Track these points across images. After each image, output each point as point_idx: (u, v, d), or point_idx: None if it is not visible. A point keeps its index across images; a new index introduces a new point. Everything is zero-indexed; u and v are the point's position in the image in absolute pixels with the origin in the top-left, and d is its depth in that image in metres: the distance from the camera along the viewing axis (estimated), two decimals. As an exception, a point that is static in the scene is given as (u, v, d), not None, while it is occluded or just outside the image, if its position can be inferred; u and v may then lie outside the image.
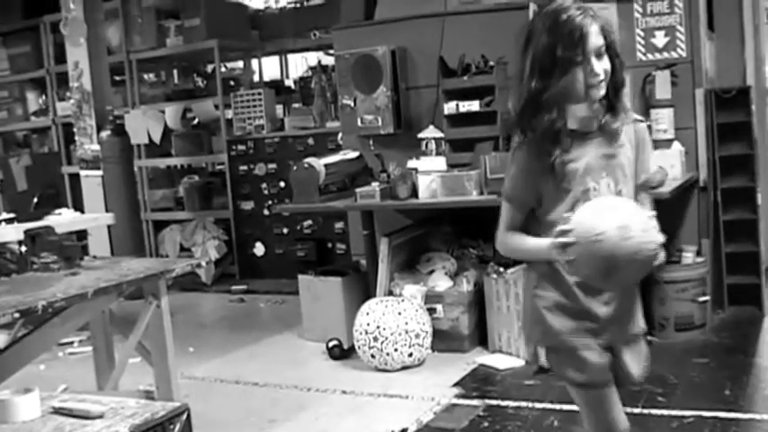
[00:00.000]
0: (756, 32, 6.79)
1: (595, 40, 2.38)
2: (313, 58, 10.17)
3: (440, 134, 5.92)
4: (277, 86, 10.01)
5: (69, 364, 5.99)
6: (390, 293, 5.71)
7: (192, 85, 10.38)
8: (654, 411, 4.27)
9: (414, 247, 6.09)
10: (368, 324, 5.32)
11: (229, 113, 9.11)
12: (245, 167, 8.92)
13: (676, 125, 5.85)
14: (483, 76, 5.96)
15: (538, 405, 4.52)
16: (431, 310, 5.55)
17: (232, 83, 9.90)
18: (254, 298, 8.10)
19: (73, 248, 4.08)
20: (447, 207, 5.80)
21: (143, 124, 9.16)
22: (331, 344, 5.74)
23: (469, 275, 5.73)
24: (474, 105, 5.97)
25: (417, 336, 5.31)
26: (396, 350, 5.26)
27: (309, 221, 8.55)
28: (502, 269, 5.57)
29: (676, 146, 5.76)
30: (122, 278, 3.68)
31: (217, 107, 9.19)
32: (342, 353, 5.69)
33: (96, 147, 8.12)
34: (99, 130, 8.09)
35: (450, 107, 6.05)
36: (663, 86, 5.80)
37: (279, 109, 9.35)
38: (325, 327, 5.99)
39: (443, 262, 5.90)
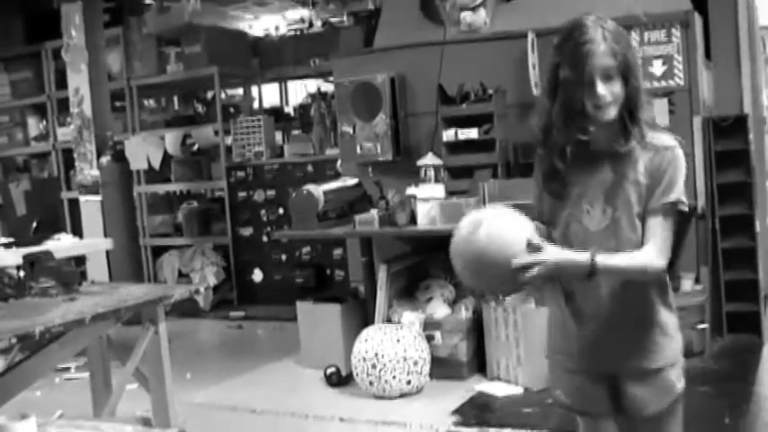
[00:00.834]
0: (753, 61, 6.83)
1: (602, 60, 2.31)
2: (312, 85, 10.22)
3: (438, 161, 5.94)
4: (276, 113, 10.05)
5: (66, 390, 5.96)
6: (389, 320, 5.71)
7: (192, 112, 10.42)
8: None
9: (412, 274, 6.09)
10: (366, 351, 5.31)
11: (229, 140, 9.13)
12: (244, 194, 8.93)
13: (674, 153, 5.86)
14: (481, 103, 5.99)
15: (536, 433, 4.51)
16: (429, 338, 5.54)
17: (232, 109, 9.94)
18: (253, 324, 8.08)
19: (71, 274, 4.08)
20: (446, 234, 5.78)
21: (143, 150, 9.18)
22: (329, 371, 5.72)
23: (468, 303, 5.73)
24: (472, 133, 6.00)
25: (416, 363, 5.29)
26: (394, 377, 5.25)
27: (308, 248, 8.56)
28: (500, 296, 5.57)
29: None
30: (120, 304, 3.67)
31: (216, 133, 9.21)
32: (340, 380, 5.68)
33: (96, 172, 8.14)
34: (99, 155, 8.11)
35: (448, 134, 6.07)
36: (660, 114, 5.82)
37: (278, 136, 9.38)
38: (324, 353, 5.97)
39: (442, 289, 5.89)
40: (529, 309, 5.35)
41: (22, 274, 3.98)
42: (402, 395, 5.31)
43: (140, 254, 8.89)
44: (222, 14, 10.72)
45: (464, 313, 5.66)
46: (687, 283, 5.68)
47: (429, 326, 5.59)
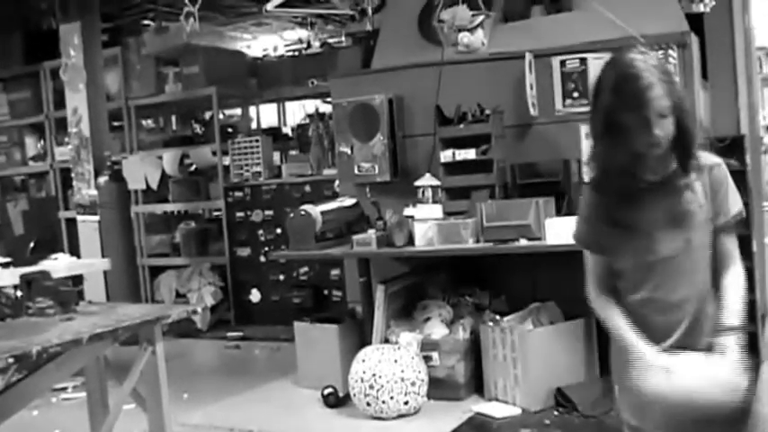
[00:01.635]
0: (750, 82, 6.85)
1: (660, 103, 2.38)
2: (310, 105, 10.25)
3: (436, 182, 5.95)
4: (274, 134, 10.09)
5: (63, 410, 5.95)
6: (386, 341, 5.70)
7: (189, 132, 10.43)
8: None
9: (410, 294, 6.08)
10: (363, 372, 5.30)
11: (227, 160, 9.15)
12: (241, 214, 8.94)
13: (672, 174, 5.87)
14: (479, 124, 6.00)
15: (534, 454, 4.50)
16: (427, 358, 5.53)
17: (230, 130, 9.96)
18: (250, 344, 8.07)
19: (68, 294, 4.07)
20: (443, 255, 5.81)
21: (141, 170, 9.19)
22: (326, 391, 5.71)
23: (465, 323, 5.72)
24: (470, 153, 6.00)
25: (413, 384, 5.28)
26: (391, 398, 5.23)
27: (306, 268, 8.55)
28: (498, 317, 5.57)
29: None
30: (118, 324, 3.67)
31: (214, 154, 9.22)
32: (337, 400, 5.66)
33: (94, 192, 8.15)
34: (97, 175, 8.13)
35: (446, 155, 6.08)
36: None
37: (276, 156, 9.40)
38: (321, 374, 5.96)
39: (439, 309, 5.88)
40: (526, 330, 5.35)
41: (19, 293, 3.97)
42: (399, 416, 5.29)
43: (138, 274, 8.88)
44: (220, 35, 10.79)
45: (462, 334, 5.65)
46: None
47: (426, 346, 5.58)
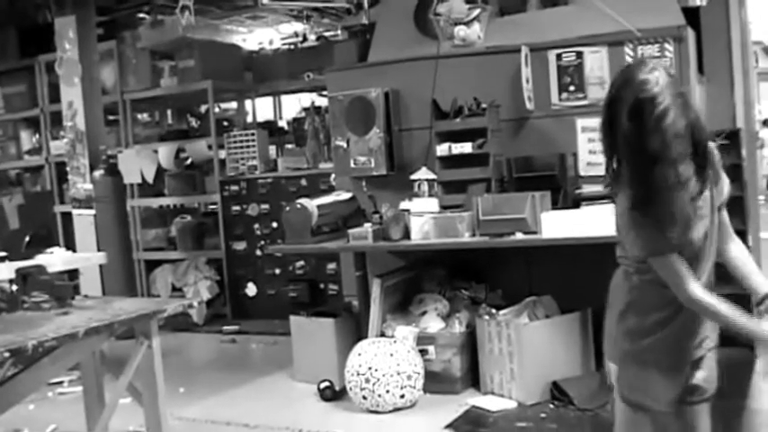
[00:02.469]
0: (746, 76, 6.85)
1: (675, 127, 2.47)
2: (306, 99, 10.23)
3: (432, 176, 5.94)
4: (270, 127, 10.06)
5: (59, 405, 5.94)
6: (382, 335, 5.70)
7: (185, 126, 10.43)
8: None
9: (406, 288, 6.09)
10: (360, 365, 5.31)
11: (222, 154, 9.13)
12: (237, 208, 8.93)
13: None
14: (475, 118, 6.00)
15: (530, 447, 4.51)
16: (423, 352, 5.54)
17: (225, 123, 9.94)
18: (246, 339, 8.07)
19: (64, 288, 4.07)
20: (439, 248, 5.81)
21: (136, 164, 9.17)
22: (323, 385, 5.72)
23: (462, 317, 5.73)
24: (466, 147, 6.00)
25: (409, 377, 5.29)
26: (388, 392, 5.24)
27: (302, 262, 8.55)
28: (494, 311, 5.58)
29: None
30: (114, 318, 3.67)
31: (210, 147, 9.21)
32: (333, 394, 5.67)
33: (89, 186, 8.14)
34: (92, 169, 8.11)
35: (442, 149, 6.08)
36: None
37: (272, 150, 9.39)
38: (317, 368, 5.96)
39: (436, 303, 5.89)
40: (522, 323, 5.35)
41: (14, 288, 3.97)
42: (395, 409, 5.30)
43: (133, 268, 8.87)
44: (216, 28, 10.77)
45: (458, 327, 5.65)
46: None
47: (423, 340, 5.59)
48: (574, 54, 5.97)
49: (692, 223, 2.63)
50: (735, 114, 6.69)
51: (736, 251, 2.86)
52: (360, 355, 5.37)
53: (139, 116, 10.57)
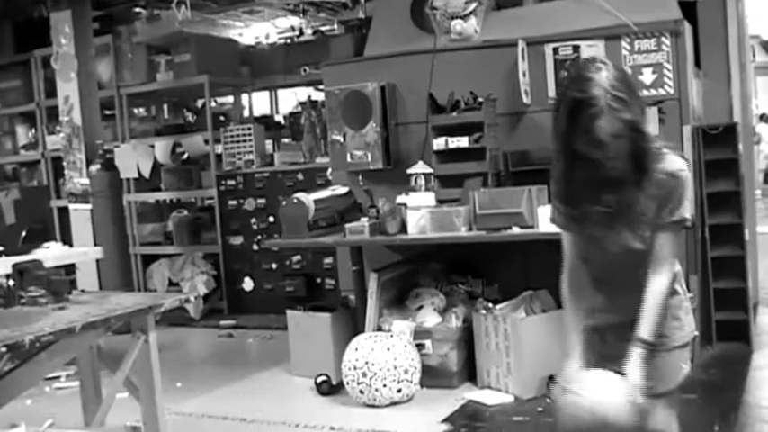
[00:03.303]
0: (743, 70, 6.86)
1: (607, 129, 2.43)
2: (303, 93, 10.22)
3: (429, 170, 5.95)
4: (267, 122, 10.04)
5: (56, 400, 5.95)
6: (379, 329, 5.70)
7: (181, 120, 10.41)
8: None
9: (403, 282, 6.09)
10: (357, 360, 5.31)
11: (219, 148, 9.13)
12: (234, 202, 8.93)
13: (664, 162, 5.88)
14: (472, 112, 6.00)
15: (527, 441, 4.51)
16: (420, 346, 5.54)
17: (222, 118, 9.92)
18: (243, 333, 8.07)
19: (61, 283, 4.06)
20: (436, 243, 5.81)
21: (133, 159, 9.16)
22: (319, 380, 5.72)
23: (458, 311, 5.73)
24: (463, 141, 6.00)
25: (406, 371, 5.29)
26: (384, 386, 5.24)
27: (298, 257, 8.55)
28: (491, 305, 5.58)
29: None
30: (110, 313, 3.66)
31: (206, 142, 9.20)
32: (330, 389, 5.67)
33: (86, 181, 8.13)
34: (88, 164, 8.11)
35: (439, 143, 6.08)
36: (650, 124, 5.84)
37: (268, 144, 9.36)
38: (314, 362, 5.96)
39: (432, 298, 5.89)
40: (518, 318, 5.35)
41: (11, 283, 3.96)
42: (392, 404, 5.30)
43: (130, 263, 8.87)
44: (212, 23, 10.73)
45: (454, 322, 5.66)
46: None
47: (419, 334, 5.59)
48: (570, 48, 5.97)
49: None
50: (731, 108, 6.70)
51: (648, 289, 2.67)
52: (357, 349, 5.37)
53: (136, 111, 10.56)
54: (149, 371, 3.96)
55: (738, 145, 6.07)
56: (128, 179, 9.28)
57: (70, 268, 7.03)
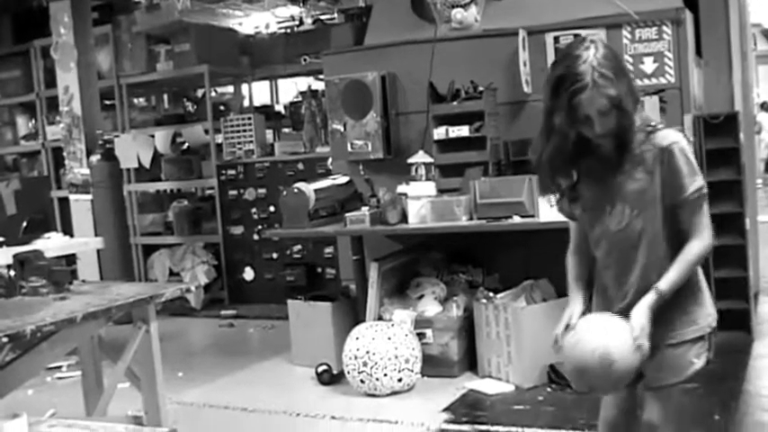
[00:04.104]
0: (744, 59, 6.85)
1: (590, 105, 2.46)
2: (303, 83, 10.19)
3: (429, 159, 5.94)
4: (267, 111, 10.03)
5: (57, 389, 5.95)
6: (380, 318, 5.71)
7: (182, 110, 10.39)
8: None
9: (403, 272, 6.09)
10: (357, 349, 5.31)
11: (219, 138, 9.12)
12: (234, 192, 8.92)
13: (665, 151, 5.87)
14: (472, 101, 5.99)
15: (527, 430, 4.52)
16: (420, 336, 5.54)
17: (222, 108, 9.91)
18: (244, 323, 8.08)
19: (62, 273, 4.06)
20: (437, 232, 5.81)
21: (133, 149, 9.16)
22: (320, 369, 5.72)
23: (459, 300, 5.73)
24: (463, 131, 6.00)
25: (407, 361, 5.30)
26: (385, 375, 5.25)
27: (299, 246, 8.55)
28: (491, 294, 5.58)
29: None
30: (111, 303, 3.66)
31: (207, 132, 9.19)
32: (331, 378, 5.67)
33: (86, 171, 8.13)
34: (89, 154, 8.10)
35: (439, 132, 6.07)
36: (651, 112, 5.83)
37: (269, 134, 9.36)
38: (315, 352, 5.97)
39: (433, 287, 5.89)
40: (519, 307, 5.36)
41: (12, 273, 3.97)
42: (393, 393, 5.31)
43: (131, 253, 8.87)
44: (212, 12, 10.68)
45: (455, 311, 5.66)
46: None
47: (420, 324, 5.59)
48: (571, 37, 5.94)
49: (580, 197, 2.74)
50: (732, 97, 6.68)
51: (680, 254, 2.70)
52: (357, 338, 5.38)
53: (136, 101, 10.54)
54: (150, 361, 3.96)
55: (739, 134, 6.05)
56: (128, 169, 9.28)
57: (71, 258, 7.01)
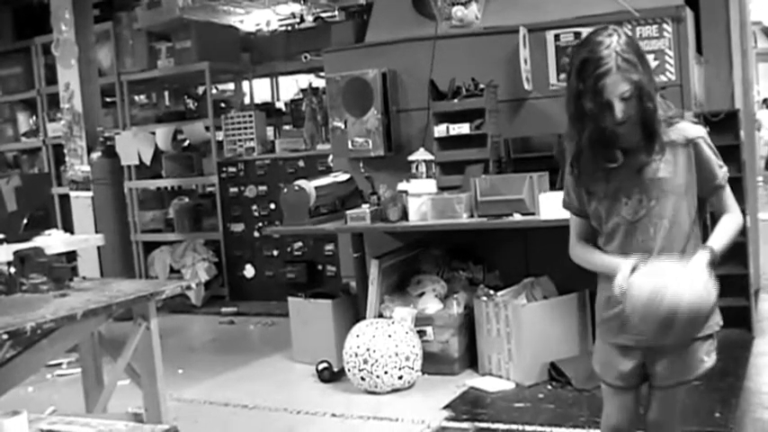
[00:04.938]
0: (744, 56, 6.84)
1: (619, 88, 2.49)
2: (304, 80, 10.19)
3: (430, 157, 5.93)
4: (268, 109, 10.03)
5: (58, 387, 5.96)
6: (380, 316, 5.71)
7: (182, 107, 10.40)
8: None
9: (404, 269, 6.09)
10: (358, 347, 5.31)
11: (220, 135, 9.12)
12: (235, 189, 8.92)
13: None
14: (473, 99, 5.99)
15: (528, 428, 4.52)
16: (421, 333, 5.54)
17: (223, 105, 9.92)
18: (244, 320, 8.08)
19: (62, 270, 4.07)
20: (437, 229, 5.81)
21: (134, 146, 9.16)
22: (321, 366, 5.72)
23: (459, 298, 5.73)
24: (464, 128, 5.99)
25: (407, 358, 5.30)
26: (386, 373, 5.25)
27: (299, 243, 8.55)
28: (492, 292, 5.58)
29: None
30: (112, 300, 3.67)
31: (207, 129, 9.19)
32: (332, 375, 5.68)
33: (87, 168, 8.12)
34: (89, 151, 8.10)
35: (440, 130, 6.07)
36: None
37: (269, 131, 9.36)
38: (315, 349, 5.97)
39: (433, 284, 5.89)
40: (519, 304, 5.36)
41: (12, 270, 3.97)
42: (394, 390, 5.31)
43: (131, 250, 8.88)
44: (213, 9, 10.68)
45: (456, 309, 5.66)
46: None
47: (421, 321, 5.59)
48: (572, 34, 5.96)
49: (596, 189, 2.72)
50: (733, 95, 6.68)
51: (721, 221, 2.84)
52: (358, 336, 5.38)
53: (136, 98, 10.55)
54: (151, 357, 3.97)
55: (740, 131, 6.05)
56: (129, 166, 9.28)
57: (71, 255, 7.02)
